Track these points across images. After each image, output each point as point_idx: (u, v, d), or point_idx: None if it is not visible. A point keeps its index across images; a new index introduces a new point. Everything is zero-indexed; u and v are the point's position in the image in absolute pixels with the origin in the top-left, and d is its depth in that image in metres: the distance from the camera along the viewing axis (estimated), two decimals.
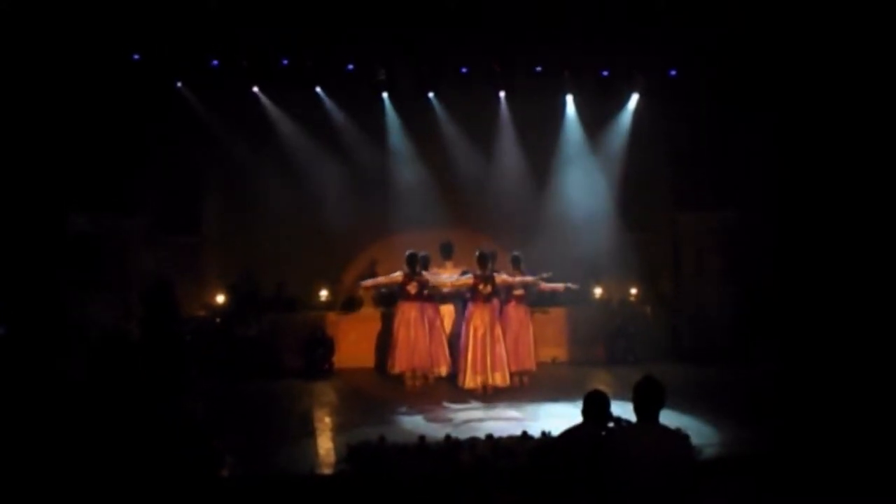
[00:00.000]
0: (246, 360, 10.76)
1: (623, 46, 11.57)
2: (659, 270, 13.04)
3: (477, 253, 9.95)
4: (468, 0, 10.79)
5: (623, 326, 11.92)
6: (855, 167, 10.73)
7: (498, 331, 9.91)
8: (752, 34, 11.08)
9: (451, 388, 9.99)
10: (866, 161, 10.61)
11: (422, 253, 10.30)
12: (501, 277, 9.99)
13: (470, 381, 9.75)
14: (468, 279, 9.92)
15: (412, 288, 10.12)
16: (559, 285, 10.50)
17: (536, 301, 11.18)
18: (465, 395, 9.67)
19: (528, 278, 10.22)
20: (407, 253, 10.17)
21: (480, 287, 9.82)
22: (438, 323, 10.33)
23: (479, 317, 9.82)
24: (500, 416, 8.71)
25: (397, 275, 10.18)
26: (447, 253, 10.74)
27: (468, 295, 10.00)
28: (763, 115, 11.73)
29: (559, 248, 11.75)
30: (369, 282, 10.69)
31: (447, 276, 10.35)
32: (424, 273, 10.21)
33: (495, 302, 10.09)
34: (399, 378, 10.19)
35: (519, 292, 10.34)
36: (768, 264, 11.83)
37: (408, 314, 10.15)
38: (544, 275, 10.31)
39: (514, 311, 10.33)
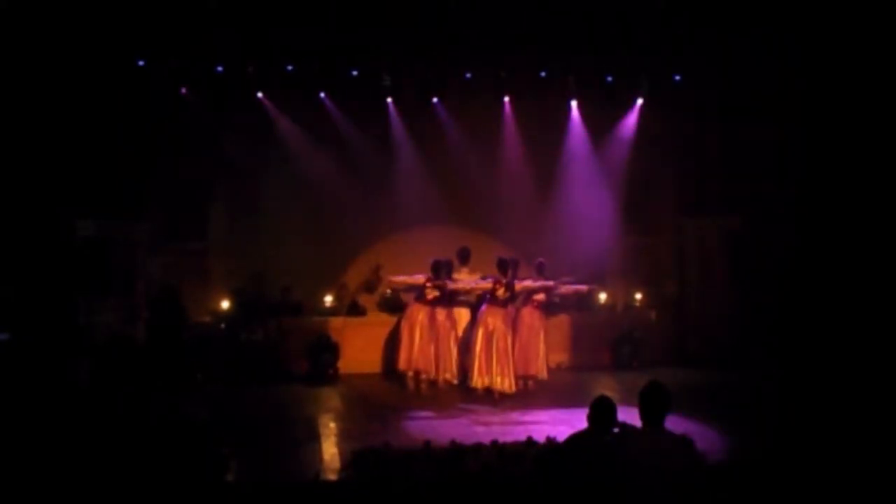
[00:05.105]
0: (251, 365, 10.78)
1: (628, 51, 11.59)
2: (664, 275, 13.04)
3: (497, 259, 9.97)
4: (472, 4, 10.83)
5: (628, 331, 11.90)
6: (861, 172, 10.71)
7: (509, 339, 9.88)
8: (756, 38, 11.08)
9: (457, 394, 10.00)
10: (873, 165, 10.59)
11: (444, 259, 10.29)
12: (522, 284, 10.00)
13: (476, 380, 9.77)
14: (488, 283, 9.94)
15: (430, 293, 10.15)
16: (582, 287, 10.54)
17: (560, 307, 11.17)
18: (470, 400, 9.67)
19: (549, 282, 10.20)
20: (432, 260, 10.15)
21: (499, 292, 9.83)
22: (449, 326, 10.34)
23: (490, 319, 9.83)
24: (505, 422, 8.70)
25: (420, 277, 10.20)
26: (464, 259, 10.69)
27: (486, 297, 10.00)
28: (768, 119, 11.73)
29: (564, 252, 11.75)
30: (396, 278, 10.56)
31: (466, 281, 10.35)
32: (449, 281, 10.17)
33: (510, 309, 10.09)
34: (402, 377, 10.26)
35: (539, 297, 10.30)
36: (773, 269, 11.81)
37: (414, 316, 10.22)
38: (564, 279, 10.31)
39: (529, 316, 10.29)
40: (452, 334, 10.37)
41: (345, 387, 10.67)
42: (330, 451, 7.72)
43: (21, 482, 6.18)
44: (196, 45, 10.94)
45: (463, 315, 10.57)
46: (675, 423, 4.50)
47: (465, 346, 10.22)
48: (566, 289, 10.43)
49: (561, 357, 11.88)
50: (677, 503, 4.16)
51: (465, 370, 10.06)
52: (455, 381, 10.25)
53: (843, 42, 10.52)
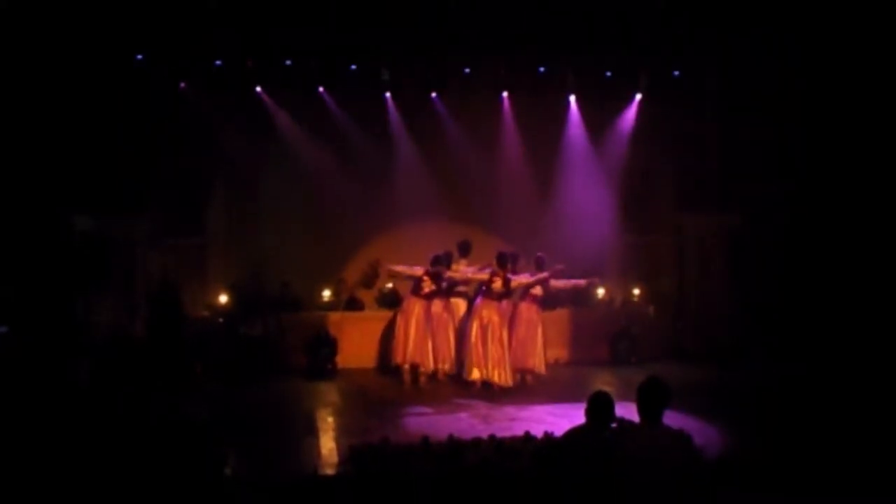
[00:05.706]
0: (250, 361, 10.78)
1: (626, 47, 11.59)
2: (662, 271, 13.05)
3: (497, 253, 9.99)
4: (472, 1, 10.83)
5: (626, 327, 11.92)
6: (859, 169, 10.73)
7: (504, 332, 9.93)
8: (756, 38, 11.08)
9: (455, 388, 10.02)
10: (872, 164, 10.61)
11: (444, 253, 10.29)
12: (517, 279, 10.01)
13: (473, 372, 9.83)
14: (485, 274, 9.95)
15: (426, 287, 10.18)
16: (580, 281, 10.53)
17: (559, 301, 11.15)
18: (468, 396, 9.69)
19: (542, 274, 10.19)
20: (432, 256, 10.17)
21: (495, 285, 9.84)
22: (447, 317, 10.36)
23: (485, 312, 9.88)
24: (503, 417, 8.72)
25: (419, 269, 10.22)
26: (464, 251, 10.67)
27: (482, 289, 10.02)
28: (768, 119, 11.74)
29: (562, 247, 11.76)
30: (396, 267, 10.55)
31: (464, 270, 10.35)
32: (448, 272, 10.18)
33: (505, 304, 10.10)
34: (398, 371, 10.30)
35: (536, 291, 10.32)
36: (771, 266, 11.83)
37: (410, 309, 10.27)
38: (557, 267, 10.30)
39: (526, 310, 10.33)
40: (450, 325, 10.41)
41: (343, 381, 10.67)
42: (328, 445, 7.74)
43: (21, 482, 6.18)
44: (195, 41, 10.93)
45: (461, 306, 10.60)
46: (672, 419, 4.52)
47: (462, 337, 10.25)
48: (564, 283, 10.43)
49: (559, 352, 11.88)
50: (675, 499, 4.17)
51: (462, 362, 10.10)
52: (453, 373, 10.28)
53: (843, 42, 10.53)
